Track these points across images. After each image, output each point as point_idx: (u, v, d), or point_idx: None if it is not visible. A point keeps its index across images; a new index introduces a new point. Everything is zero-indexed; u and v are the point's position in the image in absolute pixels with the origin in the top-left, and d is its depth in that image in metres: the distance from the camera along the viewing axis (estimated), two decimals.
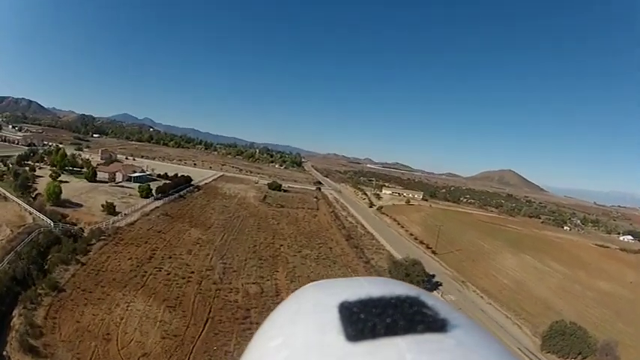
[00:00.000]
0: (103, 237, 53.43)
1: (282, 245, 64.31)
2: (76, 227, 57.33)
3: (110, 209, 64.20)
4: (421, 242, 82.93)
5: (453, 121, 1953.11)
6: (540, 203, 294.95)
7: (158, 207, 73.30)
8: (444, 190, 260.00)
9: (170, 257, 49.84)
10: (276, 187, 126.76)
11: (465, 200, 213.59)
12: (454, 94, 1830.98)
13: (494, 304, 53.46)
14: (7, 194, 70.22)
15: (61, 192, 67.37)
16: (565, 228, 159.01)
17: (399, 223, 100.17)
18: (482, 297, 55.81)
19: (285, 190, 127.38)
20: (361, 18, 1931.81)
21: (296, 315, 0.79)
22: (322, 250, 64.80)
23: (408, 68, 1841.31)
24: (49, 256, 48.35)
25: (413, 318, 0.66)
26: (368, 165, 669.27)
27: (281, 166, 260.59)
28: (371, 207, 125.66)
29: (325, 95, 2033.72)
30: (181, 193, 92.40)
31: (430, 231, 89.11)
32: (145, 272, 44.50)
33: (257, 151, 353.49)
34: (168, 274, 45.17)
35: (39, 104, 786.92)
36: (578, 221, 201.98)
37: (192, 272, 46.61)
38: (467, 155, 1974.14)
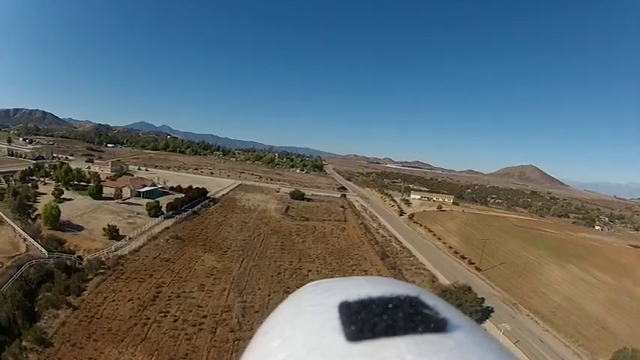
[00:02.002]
0: (102, 269, 46.96)
1: (310, 271, 56.86)
2: (73, 257, 51.23)
3: (112, 233, 57.98)
4: (462, 257, 76.50)
5: (471, 117, 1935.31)
6: (564, 199, 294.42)
7: (168, 228, 66.85)
8: (469, 191, 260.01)
9: (179, 296, 42.79)
10: (298, 196, 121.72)
11: (492, 201, 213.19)
12: (472, 90, 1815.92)
13: (551, 330, 49.37)
14: (4, 217, 65.12)
15: (59, 214, 61.61)
16: (596, 227, 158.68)
17: (434, 234, 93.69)
18: (537, 322, 51.36)
19: (308, 199, 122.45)
20: (376, 18, 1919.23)
21: (296, 315, 0.79)
22: (356, 275, 56.81)
23: (425, 66, 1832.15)
24: (40, 296, 42.44)
25: (413, 318, 0.67)
26: (388, 165, 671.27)
27: (302, 170, 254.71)
28: (401, 215, 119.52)
29: (343, 96, 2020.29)
30: (196, 208, 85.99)
31: (469, 242, 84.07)
32: (148, 319, 37.49)
33: (276, 155, 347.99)
34: (176, 320, 38.06)
35: (54, 115, 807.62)
36: (606, 219, 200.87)
37: (205, 316, 39.41)
38: (486, 151, 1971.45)
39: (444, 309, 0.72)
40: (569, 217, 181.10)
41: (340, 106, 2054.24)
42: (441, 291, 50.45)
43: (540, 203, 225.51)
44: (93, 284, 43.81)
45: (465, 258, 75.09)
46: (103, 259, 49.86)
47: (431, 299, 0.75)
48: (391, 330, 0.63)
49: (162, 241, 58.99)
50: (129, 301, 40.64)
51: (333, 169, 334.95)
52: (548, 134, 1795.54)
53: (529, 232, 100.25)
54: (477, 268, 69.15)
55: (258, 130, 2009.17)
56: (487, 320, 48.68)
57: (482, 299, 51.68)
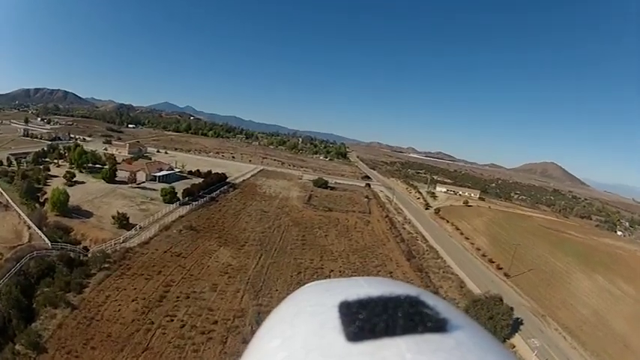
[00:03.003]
0: (107, 263, 43.87)
1: (332, 271, 52.68)
2: (77, 248, 48.38)
3: (122, 222, 55.00)
4: (490, 260, 72.24)
5: (496, 112, 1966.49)
6: (585, 199, 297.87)
7: (182, 216, 63.58)
8: (493, 185, 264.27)
9: (188, 297, 39.25)
10: (322, 184, 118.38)
11: (515, 197, 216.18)
12: (498, 85, 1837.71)
13: (578, 348, 46.90)
14: (10, 201, 63.13)
15: (67, 199, 59.35)
16: (618, 233, 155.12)
17: (462, 233, 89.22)
18: (565, 338, 48.89)
19: (331, 188, 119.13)
20: (400, 5, 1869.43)
21: (296, 315, 0.80)
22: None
23: (453, 55, 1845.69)
24: (39, 292, 39.72)
25: (413, 318, 0.67)
26: (411, 154, 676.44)
27: (325, 157, 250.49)
28: (427, 209, 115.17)
29: (368, 83, 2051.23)
30: (214, 194, 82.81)
31: (497, 244, 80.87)
32: (152, 324, 34.04)
33: (300, 140, 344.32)
34: (183, 325, 34.49)
35: (75, 95, 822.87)
36: (627, 223, 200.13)
37: (216, 322, 35.71)
38: (509, 146, 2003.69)
39: (444, 309, 0.73)
40: (591, 219, 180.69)
41: (366, 93, 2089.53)
42: (472, 301, 48.16)
43: (563, 202, 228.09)
44: (96, 280, 40.73)
45: (494, 262, 71.47)
46: (109, 251, 46.79)
47: (431, 299, 0.76)
48: (391, 330, 0.64)
49: (175, 232, 55.63)
50: (133, 301, 37.33)
51: (357, 156, 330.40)
52: (570, 132, 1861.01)
53: (556, 235, 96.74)
54: (505, 274, 65.64)
55: (282, 114, 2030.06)
56: (516, 334, 45.70)
57: (511, 309, 48.67)
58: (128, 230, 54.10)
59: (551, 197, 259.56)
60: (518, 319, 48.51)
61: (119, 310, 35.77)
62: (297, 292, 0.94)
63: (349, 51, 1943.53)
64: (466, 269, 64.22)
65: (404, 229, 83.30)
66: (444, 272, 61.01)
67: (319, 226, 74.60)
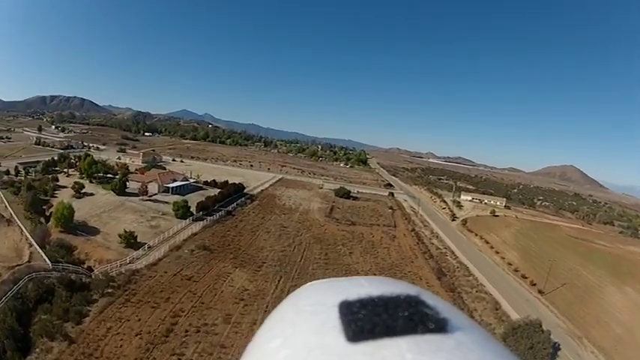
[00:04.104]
0: (110, 288, 40.72)
1: None
2: (80, 269, 45.46)
3: (129, 240, 51.88)
4: (523, 276, 69.64)
5: (515, 113, 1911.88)
6: (606, 204, 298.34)
7: (195, 234, 60.36)
8: (515, 191, 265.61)
9: (198, 330, 35.53)
10: (344, 194, 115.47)
11: (538, 203, 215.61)
12: (516, 88, 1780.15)
13: None
14: (13, 215, 61.04)
15: (72, 214, 56.74)
16: None
17: (492, 247, 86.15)
18: None
19: (354, 198, 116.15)
20: (419, 9, 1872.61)
21: (296, 315, 0.81)
22: None
23: (471, 57, 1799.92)
24: (36, 319, 36.69)
25: (413, 318, 0.68)
26: (431, 160, 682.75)
27: (346, 164, 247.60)
28: (453, 220, 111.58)
29: (386, 88, 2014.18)
30: (230, 207, 79.68)
31: (528, 258, 79.04)
32: None
33: (319, 147, 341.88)
34: None
35: (92, 102, 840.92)
36: None
37: None
38: (528, 149, 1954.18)
39: (444, 309, 0.74)
40: (614, 225, 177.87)
41: (384, 98, 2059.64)
42: (511, 328, 45.89)
43: (585, 207, 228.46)
44: (97, 308, 37.53)
45: (526, 277, 69.10)
46: (113, 273, 43.68)
47: (431, 299, 0.77)
48: (391, 330, 0.65)
49: (187, 252, 52.18)
50: (137, 335, 33.81)
51: (377, 163, 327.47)
52: (588, 134, 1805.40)
53: (584, 245, 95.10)
54: (539, 291, 63.48)
55: (301, 121, 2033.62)
56: None
57: (549, 333, 46.60)
58: (136, 250, 51.08)
59: (573, 202, 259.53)
60: (555, 343, 46.29)
61: (120, 346, 32.32)
62: (298, 291, 0.95)
63: (369, 56, 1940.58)
64: (499, 287, 61.83)
65: (432, 243, 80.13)
66: (476, 291, 58.39)
67: (342, 242, 70.96)
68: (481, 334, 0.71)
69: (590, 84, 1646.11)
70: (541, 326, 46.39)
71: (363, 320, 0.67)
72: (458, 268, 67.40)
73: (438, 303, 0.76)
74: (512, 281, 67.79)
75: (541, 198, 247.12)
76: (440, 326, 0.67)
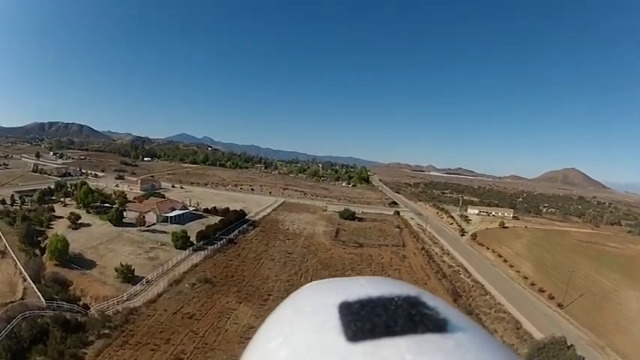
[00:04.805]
0: (107, 328, 38.85)
1: None
2: (75, 307, 43.59)
3: (127, 275, 50.12)
4: (540, 290, 68.28)
5: (512, 119, 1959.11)
6: (611, 204, 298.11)
7: (196, 265, 58.61)
8: (520, 199, 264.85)
9: None
10: (348, 215, 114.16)
11: (544, 210, 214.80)
12: (513, 93, 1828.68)
13: None
14: (8, 247, 59.51)
15: (67, 247, 55.41)
16: None
17: (505, 260, 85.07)
18: None
19: (359, 219, 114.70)
20: (420, 20, 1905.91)
21: (296, 315, 0.82)
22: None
23: (466, 67, 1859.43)
24: None
25: (413, 318, 0.69)
26: (432, 172, 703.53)
27: (348, 183, 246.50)
28: (463, 235, 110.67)
29: (384, 104, 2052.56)
30: (232, 235, 78.04)
31: (543, 269, 79.09)
32: None
33: (320, 166, 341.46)
34: None
35: (91, 128, 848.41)
36: None
37: None
38: (528, 156, 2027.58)
39: (444, 309, 0.74)
40: (621, 225, 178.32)
41: (382, 113, 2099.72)
42: (536, 349, 43.78)
43: (591, 210, 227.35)
44: (93, 352, 35.61)
45: (544, 290, 67.83)
46: (110, 312, 41.87)
47: (431, 299, 0.77)
48: (391, 330, 0.65)
49: (187, 287, 50.26)
50: None
51: (380, 180, 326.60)
52: (586, 136, 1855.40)
53: (595, 249, 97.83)
54: (558, 305, 62.36)
55: (300, 140, 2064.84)
56: None
57: (574, 349, 45.24)
58: (133, 285, 49.20)
59: (579, 206, 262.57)
60: (580, 357, 44.40)
61: None
62: (298, 291, 0.96)
63: (365, 72, 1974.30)
64: (518, 304, 60.40)
65: (443, 262, 78.71)
66: (495, 311, 56.81)
67: (351, 266, 69.25)
68: (481, 335, 0.72)
69: (589, 85, 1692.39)
70: (566, 343, 45.19)
71: (363, 320, 0.69)
72: (473, 287, 65.99)
73: (438, 303, 0.77)
74: (529, 296, 66.66)
75: (546, 205, 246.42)
76: (439, 326, 0.68)
